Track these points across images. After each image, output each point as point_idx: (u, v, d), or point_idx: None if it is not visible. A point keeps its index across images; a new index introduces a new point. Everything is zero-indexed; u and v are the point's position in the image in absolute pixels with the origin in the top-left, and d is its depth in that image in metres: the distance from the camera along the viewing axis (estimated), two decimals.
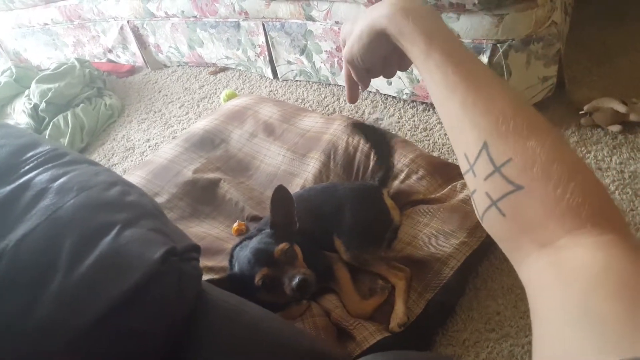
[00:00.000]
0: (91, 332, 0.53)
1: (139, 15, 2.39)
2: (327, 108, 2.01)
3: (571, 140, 1.58)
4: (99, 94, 2.46)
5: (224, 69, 2.46)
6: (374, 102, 1.95)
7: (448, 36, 0.51)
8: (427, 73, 0.51)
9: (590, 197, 0.40)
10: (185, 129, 2.07)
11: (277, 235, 1.14)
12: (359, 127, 1.43)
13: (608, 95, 1.58)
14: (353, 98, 0.69)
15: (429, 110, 1.83)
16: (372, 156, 1.48)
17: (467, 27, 1.52)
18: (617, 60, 1.83)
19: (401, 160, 1.45)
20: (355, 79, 0.65)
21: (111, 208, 0.64)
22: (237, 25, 2.15)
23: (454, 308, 1.26)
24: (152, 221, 0.65)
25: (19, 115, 2.36)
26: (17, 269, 0.56)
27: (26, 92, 2.42)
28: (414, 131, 1.77)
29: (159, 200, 1.54)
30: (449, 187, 1.38)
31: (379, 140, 1.39)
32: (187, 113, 2.27)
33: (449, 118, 0.50)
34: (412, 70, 1.69)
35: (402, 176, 1.43)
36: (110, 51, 2.68)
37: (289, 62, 2.14)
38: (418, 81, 1.74)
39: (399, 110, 1.87)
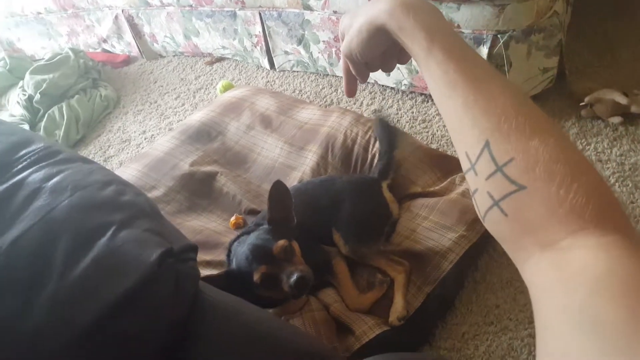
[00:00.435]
0: (87, 336, 0.52)
1: (134, 4, 2.36)
2: (324, 99, 1.99)
3: (571, 132, 1.57)
4: (94, 85, 2.44)
5: (220, 59, 2.43)
6: (372, 93, 1.93)
7: (449, 33, 0.50)
8: (427, 70, 0.50)
9: (594, 198, 0.39)
10: (182, 120, 2.06)
11: (275, 232, 1.13)
12: (379, 121, 1.42)
13: (609, 86, 1.57)
14: (351, 92, 0.68)
15: (427, 102, 1.81)
16: (370, 149, 1.46)
17: (468, 17, 1.50)
18: (619, 51, 1.81)
19: (401, 152, 1.44)
20: (353, 73, 0.64)
21: (106, 208, 0.63)
22: (234, 15, 2.12)
23: (453, 301, 1.26)
24: (148, 221, 0.64)
25: (14, 107, 2.34)
26: (10, 271, 0.55)
27: (20, 83, 2.39)
28: (413, 123, 1.75)
29: (156, 193, 1.53)
30: (448, 180, 1.37)
31: (388, 135, 1.39)
32: (183, 104, 2.25)
33: (450, 116, 0.49)
34: (411, 62, 1.67)
35: (401, 169, 1.42)
36: (105, 41, 2.65)
37: (286, 53, 2.11)
38: (417, 72, 1.72)
39: (398, 101, 1.86)
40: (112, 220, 0.61)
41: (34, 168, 0.65)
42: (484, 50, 1.52)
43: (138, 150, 2.07)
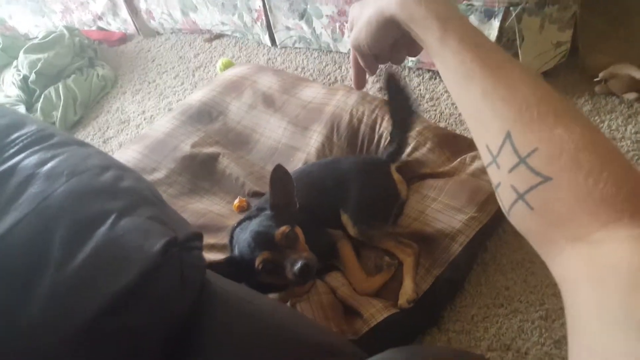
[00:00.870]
0: (86, 331, 0.49)
1: None
2: (328, 77, 1.94)
3: (584, 109, 1.53)
4: (91, 64, 2.38)
5: (219, 36, 2.37)
6: (379, 70, 1.87)
7: (463, 21, 0.49)
8: (442, 60, 0.49)
9: (625, 187, 0.37)
10: (181, 100, 2.02)
11: (278, 217, 1.09)
12: (392, 81, 1.28)
13: (624, 61, 1.52)
14: (360, 84, 0.67)
15: (435, 79, 1.76)
16: (377, 128, 1.42)
17: None
18: (635, 22, 1.74)
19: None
20: (362, 65, 0.63)
21: (105, 195, 0.59)
22: None
23: (463, 284, 1.23)
24: (150, 208, 0.60)
25: (9, 87, 2.29)
26: (4, 263, 0.51)
27: (14, 63, 2.33)
28: (420, 101, 1.71)
29: (157, 175, 1.49)
30: (458, 160, 1.33)
31: (404, 113, 1.31)
32: (182, 83, 2.20)
33: (467, 108, 0.48)
34: None
35: (409, 149, 1.38)
36: (100, 18, 2.57)
37: (288, 28, 2.05)
38: None
39: (404, 78, 1.80)
40: (112, 207, 0.57)
41: (26, 152, 0.61)
42: (495, 24, 1.46)
43: (137, 131, 2.03)
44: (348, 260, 1.20)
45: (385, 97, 1.30)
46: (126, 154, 1.58)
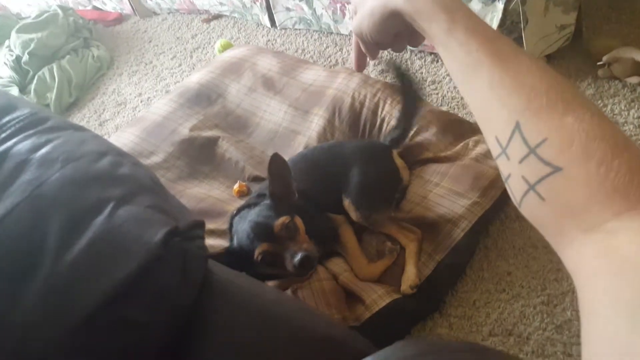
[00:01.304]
0: (85, 325, 0.48)
1: None
2: (329, 59, 1.91)
3: (587, 93, 1.50)
4: (86, 45, 2.34)
5: (217, 17, 2.32)
6: (380, 52, 1.84)
7: (469, 12, 0.48)
8: (448, 52, 0.48)
9: (638, 176, 0.36)
10: (179, 82, 1.99)
11: (277, 207, 1.07)
12: (396, 69, 1.29)
13: (628, 44, 1.49)
14: (360, 67, 0.68)
15: (437, 62, 1.73)
16: (379, 112, 1.40)
17: None
18: (639, 6, 1.71)
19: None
20: (363, 50, 0.63)
21: (102, 182, 0.57)
22: None
23: (464, 269, 1.22)
24: (150, 196, 0.58)
25: (1, 68, 2.24)
26: None
27: (6, 43, 2.28)
28: (422, 84, 1.68)
29: (155, 159, 1.47)
30: (461, 144, 1.31)
31: (412, 102, 1.30)
32: (180, 65, 2.17)
33: (475, 99, 0.47)
34: None
35: (411, 133, 1.36)
36: None
37: (288, 9, 2.00)
38: None
39: (406, 61, 1.77)
40: (110, 195, 0.55)
41: (19, 137, 0.59)
42: (499, 6, 1.43)
43: (134, 113, 2.00)
44: (350, 246, 1.19)
45: (398, 83, 1.29)
46: (123, 137, 1.56)
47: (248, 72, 1.64)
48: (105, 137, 1.73)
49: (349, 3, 1.76)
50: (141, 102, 2.05)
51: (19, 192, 0.51)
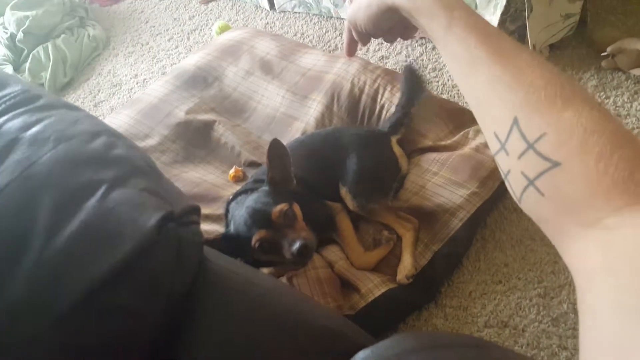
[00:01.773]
0: (75, 313, 0.46)
1: None
2: (328, 44, 1.88)
3: (589, 84, 1.49)
4: (81, 24, 2.30)
5: None
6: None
7: (468, 9, 0.49)
8: (447, 48, 0.48)
9: (638, 170, 0.36)
10: (175, 64, 1.96)
11: (275, 194, 1.06)
12: (409, 72, 1.30)
13: (633, 35, 1.47)
14: (351, 52, 0.69)
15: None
16: (378, 99, 1.38)
17: None
18: None
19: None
20: (355, 37, 0.64)
21: (95, 163, 0.54)
22: None
23: (461, 260, 1.22)
24: (145, 179, 0.56)
25: None
26: None
27: (1, 20, 2.24)
28: (422, 71, 1.66)
29: (150, 142, 1.45)
30: (461, 133, 1.30)
31: (413, 91, 1.28)
32: (176, 47, 2.13)
33: (474, 95, 0.47)
34: None
35: (411, 123, 1.34)
36: None
37: None
38: None
39: (406, 48, 1.75)
40: (103, 177, 0.53)
41: (9, 115, 0.57)
42: None
43: (130, 95, 1.97)
44: (346, 234, 1.18)
45: (402, 73, 1.29)
46: (118, 119, 1.53)
47: (246, 55, 1.61)
48: (100, 118, 1.71)
49: None
50: (137, 83, 2.03)
51: (8, 173, 0.49)
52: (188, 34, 2.17)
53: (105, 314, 0.48)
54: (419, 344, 0.51)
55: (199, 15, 2.25)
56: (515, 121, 0.42)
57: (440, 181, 1.22)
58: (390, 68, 1.45)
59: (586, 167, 0.37)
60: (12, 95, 0.60)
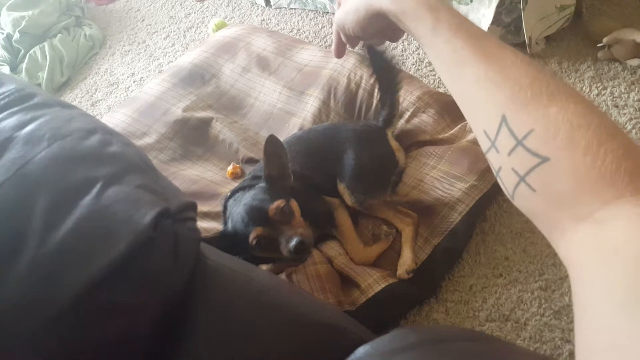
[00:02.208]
0: (70, 312, 0.46)
1: None
2: (324, 39, 1.87)
3: (586, 75, 1.48)
4: (78, 24, 2.29)
5: None
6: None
7: (453, 11, 0.49)
8: (434, 50, 0.49)
9: (625, 162, 0.36)
10: (172, 62, 1.95)
11: (272, 191, 1.05)
12: (371, 52, 1.24)
13: (629, 26, 1.47)
14: (339, 54, 0.69)
15: None
16: (375, 93, 1.37)
17: None
18: None
19: (407, 97, 1.35)
20: (343, 39, 0.65)
21: (90, 161, 0.54)
22: None
23: (461, 253, 1.21)
24: (140, 176, 0.56)
25: None
26: None
27: None
28: (419, 65, 1.65)
29: (148, 140, 1.45)
30: (459, 126, 1.30)
31: (386, 73, 1.26)
32: (173, 44, 2.13)
33: (462, 95, 0.48)
34: None
35: (407, 115, 1.34)
36: None
37: None
38: None
39: (402, 42, 1.74)
40: (98, 175, 0.53)
41: (4, 114, 0.56)
42: None
43: (127, 94, 1.97)
44: (345, 229, 1.17)
45: (369, 67, 1.26)
46: (115, 118, 1.53)
47: (242, 52, 1.61)
48: (98, 117, 1.70)
49: None
50: (134, 82, 2.02)
51: (3, 171, 0.49)
52: (184, 32, 2.17)
53: (103, 311, 0.48)
54: (420, 338, 0.50)
55: (195, 12, 2.24)
56: (504, 118, 0.42)
57: (439, 175, 1.22)
58: (392, 59, 1.43)
59: (574, 161, 0.38)
60: (6, 94, 0.60)
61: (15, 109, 0.58)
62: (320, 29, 1.91)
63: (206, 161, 1.44)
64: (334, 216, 1.18)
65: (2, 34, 2.17)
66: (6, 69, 2.10)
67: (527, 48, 1.51)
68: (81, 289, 0.46)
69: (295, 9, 2.03)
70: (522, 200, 0.43)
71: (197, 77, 1.59)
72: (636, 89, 1.42)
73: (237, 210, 1.04)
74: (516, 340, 1.05)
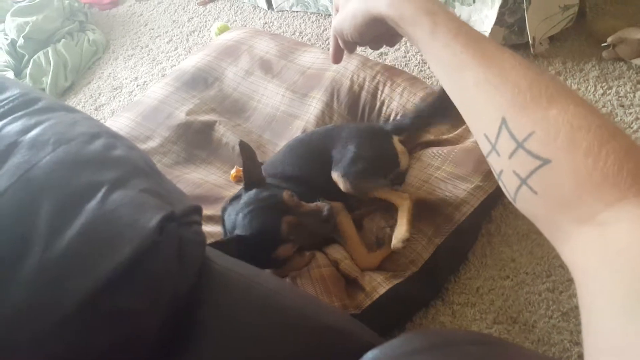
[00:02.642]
0: (76, 316, 0.45)
1: None
2: (327, 42, 1.87)
3: (591, 75, 1.48)
4: (81, 29, 2.30)
5: None
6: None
7: (451, 15, 0.49)
8: (433, 54, 0.49)
9: (628, 163, 0.36)
10: (175, 66, 1.95)
11: (265, 189, 1.08)
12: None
13: (633, 25, 1.46)
14: (337, 59, 0.69)
15: None
16: (378, 95, 1.37)
17: None
18: None
19: (410, 99, 1.35)
20: (341, 45, 0.65)
21: (95, 165, 0.54)
22: None
23: (467, 255, 1.21)
24: (145, 180, 0.55)
25: None
26: None
27: (1, 27, 2.25)
28: (422, 67, 1.65)
29: (151, 144, 1.45)
30: (463, 127, 1.29)
31: (438, 110, 1.23)
32: (176, 48, 2.13)
33: (462, 99, 0.48)
34: None
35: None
36: None
37: None
38: None
39: (405, 43, 1.74)
40: (103, 179, 0.53)
41: (8, 119, 0.56)
42: None
43: (130, 98, 1.97)
44: (348, 235, 1.16)
45: (435, 97, 1.24)
46: (118, 122, 1.53)
47: (245, 55, 1.61)
48: (101, 121, 1.71)
49: None
50: (137, 86, 2.02)
51: (8, 176, 0.49)
52: (187, 36, 2.17)
53: (108, 316, 0.48)
54: (429, 342, 0.50)
55: (197, 16, 2.25)
56: (504, 121, 0.42)
57: (443, 175, 1.21)
58: (388, 64, 1.44)
59: (575, 163, 0.37)
60: (10, 98, 0.59)
61: (19, 113, 0.58)
62: (323, 32, 1.91)
63: (210, 165, 1.44)
64: (336, 221, 1.17)
65: (7, 39, 2.18)
66: (10, 75, 2.11)
67: (531, 48, 1.50)
68: (86, 294, 0.45)
69: (297, 11, 2.03)
70: (525, 203, 0.43)
71: (200, 80, 1.59)
72: None
73: (246, 214, 1.04)
74: (524, 343, 1.04)
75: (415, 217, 1.12)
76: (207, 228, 1.19)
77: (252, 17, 2.12)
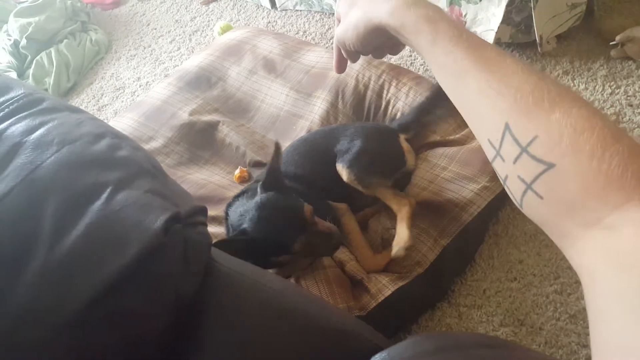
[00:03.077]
0: (82, 317, 0.45)
1: None
2: (331, 41, 1.86)
3: (599, 74, 1.46)
4: (84, 29, 2.30)
5: None
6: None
7: (452, 22, 0.50)
8: (435, 61, 0.50)
9: (632, 165, 0.36)
10: (178, 66, 1.95)
11: (285, 194, 1.05)
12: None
13: None
14: (341, 69, 0.70)
15: None
16: (384, 95, 1.36)
17: None
18: None
19: (416, 98, 1.34)
20: (344, 55, 0.66)
21: (100, 166, 0.53)
22: None
23: (473, 256, 1.20)
24: (150, 180, 0.55)
25: (0, 53, 2.21)
26: None
27: (4, 28, 2.25)
28: (427, 66, 1.64)
29: (154, 144, 1.44)
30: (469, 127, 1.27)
31: (439, 105, 1.26)
32: (178, 48, 2.12)
33: (464, 105, 0.49)
34: None
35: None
36: None
37: None
38: None
39: None
40: (108, 179, 0.52)
41: (12, 119, 0.55)
42: None
43: (133, 98, 1.97)
44: (353, 236, 1.15)
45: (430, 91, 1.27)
46: (121, 122, 1.53)
47: (248, 54, 1.60)
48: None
49: None
50: (140, 86, 2.02)
51: (13, 177, 0.48)
52: (190, 36, 2.16)
53: (113, 317, 0.48)
54: (436, 345, 0.49)
55: (200, 16, 2.24)
56: (507, 127, 0.42)
57: (450, 175, 1.20)
58: (394, 63, 1.43)
59: (580, 166, 0.37)
60: (14, 99, 0.59)
61: (24, 114, 0.57)
62: (327, 31, 1.90)
63: (213, 165, 1.43)
64: (341, 222, 1.15)
65: (10, 40, 2.17)
66: (13, 75, 2.11)
67: (538, 47, 1.49)
68: (91, 295, 0.45)
69: (301, 10, 2.02)
70: (531, 208, 0.43)
71: (203, 80, 1.59)
72: None
73: (258, 215, 1.01)
74: (531, 345, 1.03)
75: (417, 219, 1.11)
76: (210, 229, 1.16)
77: (255, 16, 2.12)
